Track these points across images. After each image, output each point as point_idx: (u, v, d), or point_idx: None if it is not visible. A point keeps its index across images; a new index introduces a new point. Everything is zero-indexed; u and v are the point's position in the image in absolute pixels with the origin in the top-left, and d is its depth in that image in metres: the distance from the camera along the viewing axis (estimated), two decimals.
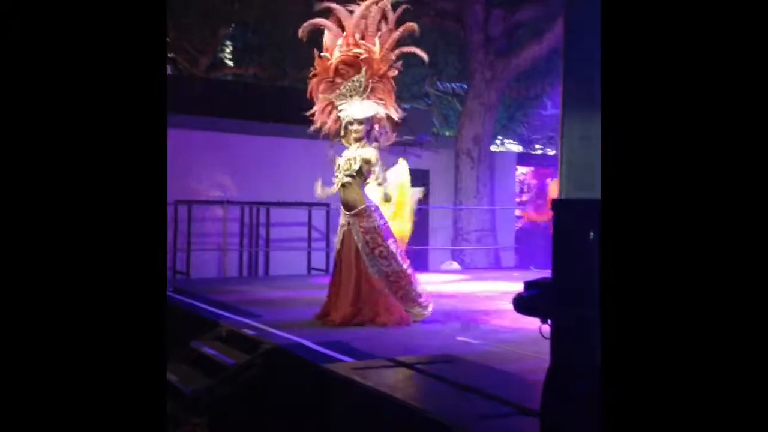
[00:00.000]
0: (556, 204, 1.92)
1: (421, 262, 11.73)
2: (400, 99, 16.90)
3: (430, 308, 5.70)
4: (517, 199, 15.57)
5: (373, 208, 5.52)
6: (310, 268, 11.51)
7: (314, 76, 5.78)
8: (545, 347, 4.68)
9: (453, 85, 18.88)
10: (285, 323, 5.39)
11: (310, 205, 11.69)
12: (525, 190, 17.16)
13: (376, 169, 5.56)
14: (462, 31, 13.44)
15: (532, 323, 5.59)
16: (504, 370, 3.54)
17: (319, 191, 5.77)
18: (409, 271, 5.58)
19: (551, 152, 20.05)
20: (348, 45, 5.58)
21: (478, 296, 7.64)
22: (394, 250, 5.48)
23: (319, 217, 11.76)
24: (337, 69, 5.62)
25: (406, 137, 13.75)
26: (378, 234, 5.42)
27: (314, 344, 4.58)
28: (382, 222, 5.51)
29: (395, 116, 5.68)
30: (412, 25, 5.65)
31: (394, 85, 5.73)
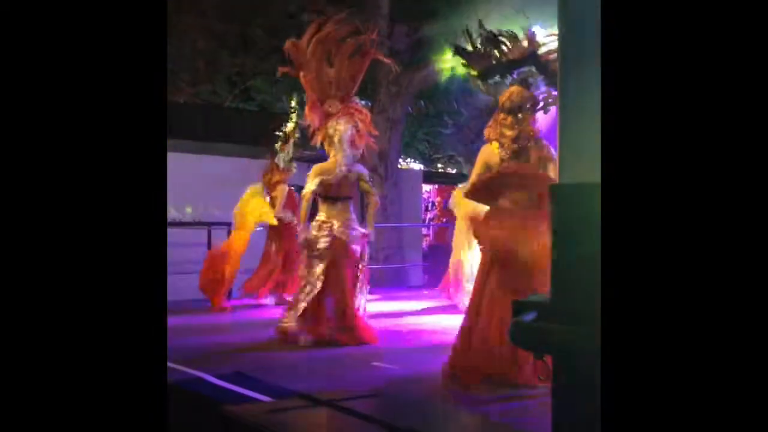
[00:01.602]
0: (556, 190, 1.53)
1: None
2: (304, 116, 16.50)
3: None
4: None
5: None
6: None
7: None
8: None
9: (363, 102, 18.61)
10: (180, 354, 4.77)
11: (210, 224, 11.03)
12: (429, 207, 17.19)
13: None
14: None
15: (446, 339, 5.46)
16: (440, 404, 3.12)
17: None
18: None
19: (452, 171, 20.19)
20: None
21: (388, 316, 7.26)
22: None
23: (220, 237, 11.06)
24: None
25: (307, 152, 13.36)
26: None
27: (215, 378, 4.04)
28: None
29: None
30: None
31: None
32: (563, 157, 1.59)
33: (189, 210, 10.69)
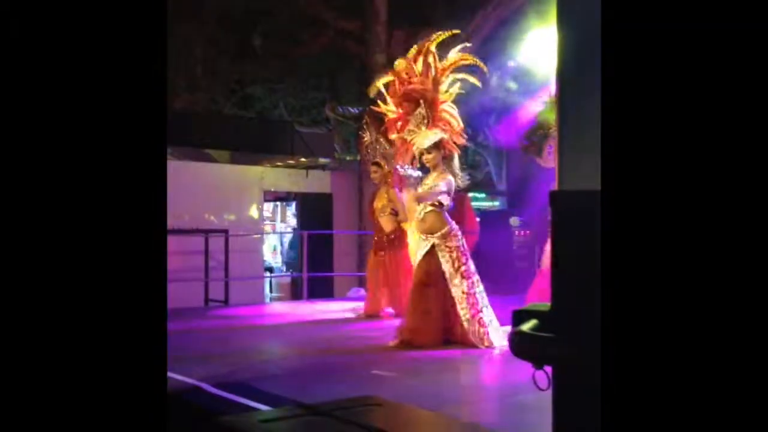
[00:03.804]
0: (555, 197, 1.51)
1: (325, 290, 11.25)
2: (300, 123, 16.40)
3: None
4: None
5: (456, 230, 5.78)
6: (207, 300, 10.74)
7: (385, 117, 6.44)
8: (475, 377, 4.38)
9: (354, 109, 18.63)
10: (177, 362, 4.73)
11: (207, 231, 11.01)
12: None
13: (438, 186, 5.77)
14: (364, 52, 13.10)
15: (449, 349, 5.43)
16: (442, 413, 3.08)
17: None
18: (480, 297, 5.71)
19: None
20: (402, 83, 6.11)
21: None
22: (473, 271, 5.72)
23: (217, 244, 11.04)
24: (401, 106, 6.12)
25: (303, 159, 13.35)
26: (462, 254, 5.70)
27: (213, 387, 4.01)
28: (462, 243, 5.79)
29: (460, 140, 5.95)
30: (465, 56, 6.03)
31: (454, 109, 6.00)
32: (563, 164, 1.57)
33: (186, 217, 10.66)
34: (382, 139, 7.75)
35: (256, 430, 2.57)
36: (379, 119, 7.88)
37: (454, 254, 5.65)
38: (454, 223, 5.84)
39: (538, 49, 11.10)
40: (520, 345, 1.54)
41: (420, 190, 5.85)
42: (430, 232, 5.74)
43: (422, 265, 5.77)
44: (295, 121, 15.82)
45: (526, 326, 1.55)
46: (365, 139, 8.12)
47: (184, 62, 14.08)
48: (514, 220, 12.40)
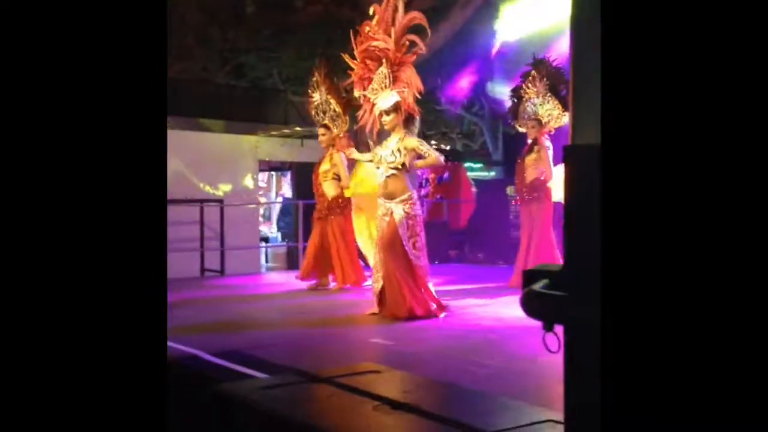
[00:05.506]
0: (569, 152, 1.45)
1: None
2: (295, 93, 16.15)
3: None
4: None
5: (416, 197, 5.68)
6: (203, 270, 10.72)
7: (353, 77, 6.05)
8: (472, 344, 4.38)
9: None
10: (175, 331, 4.71)
11: (202, 201, 10.96)
12: (423, 184, 17.15)
13: (423, 149, 5.64)
14: (359, 20, 12.94)
15: (448, 318, 5.42)
16: (441, 381, 3.07)
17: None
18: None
19: (446, 147, 20.12)
20: (366, 39, 5.83)
21: None
22: (423, 245, 5.65)
23: (212, 214, 10.98)
24: (364, 64, 5.83)
25: (298, 129, 13.25)
26: (417, 223, 5.59)
27: (211, 356, 3.99)
28: (420, 212, 5.69)
29: (412, 106, 5.71)
30: (416, 14, 5.82)
31: (414, 71, 5.73)
32: (577, 116, 1.51)
33: (180, 187, 10.58)
34: (332, 100, 7.39)
35: (256, 397, 2.55)
36: (330, 78, 7.42)
37: (411, 221, 5.52)
38: (415, 191, 5.71)
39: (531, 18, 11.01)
40: (531, 303, 1.50)
41: (378, 150, 5.68)
42: (391, 197, 5.59)
43: (382, 230, 5.62)
44: (290, 90, 15.65)
45: (538, 285, 1.51)
46: (314, 99, 7.61)
47: (176, 30, 13.88)
48: (510, 190, 12.37)
